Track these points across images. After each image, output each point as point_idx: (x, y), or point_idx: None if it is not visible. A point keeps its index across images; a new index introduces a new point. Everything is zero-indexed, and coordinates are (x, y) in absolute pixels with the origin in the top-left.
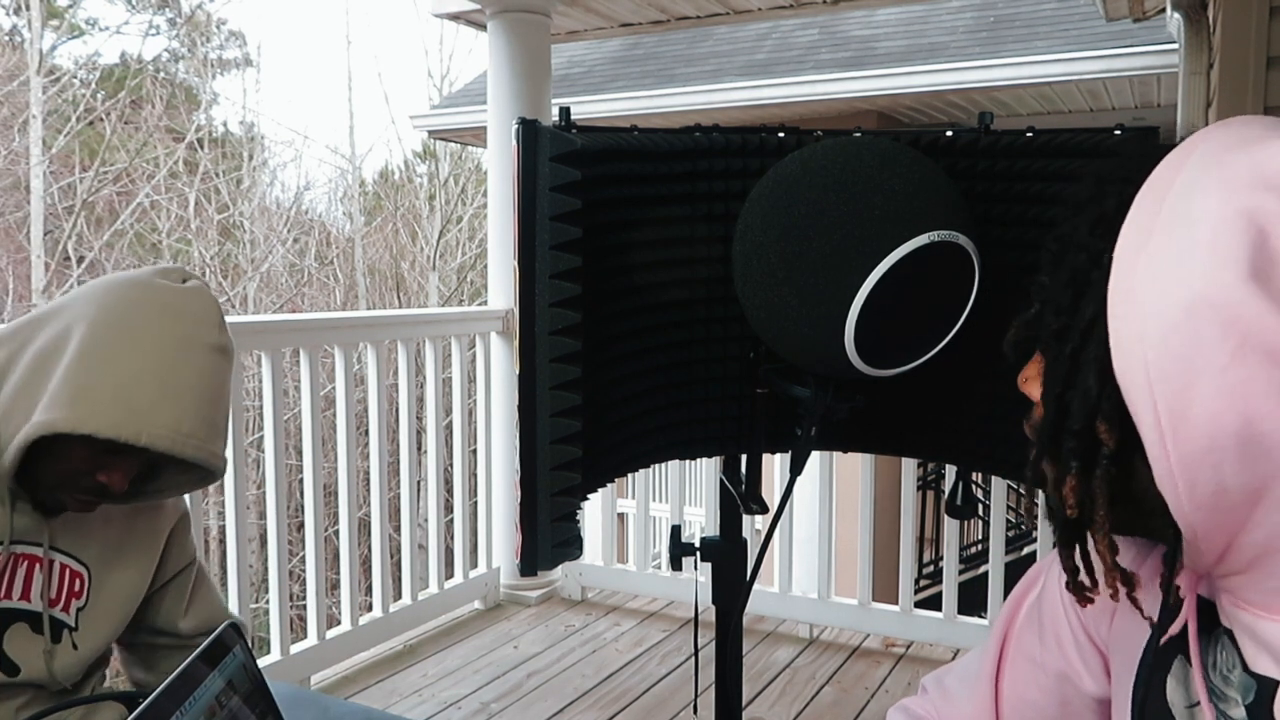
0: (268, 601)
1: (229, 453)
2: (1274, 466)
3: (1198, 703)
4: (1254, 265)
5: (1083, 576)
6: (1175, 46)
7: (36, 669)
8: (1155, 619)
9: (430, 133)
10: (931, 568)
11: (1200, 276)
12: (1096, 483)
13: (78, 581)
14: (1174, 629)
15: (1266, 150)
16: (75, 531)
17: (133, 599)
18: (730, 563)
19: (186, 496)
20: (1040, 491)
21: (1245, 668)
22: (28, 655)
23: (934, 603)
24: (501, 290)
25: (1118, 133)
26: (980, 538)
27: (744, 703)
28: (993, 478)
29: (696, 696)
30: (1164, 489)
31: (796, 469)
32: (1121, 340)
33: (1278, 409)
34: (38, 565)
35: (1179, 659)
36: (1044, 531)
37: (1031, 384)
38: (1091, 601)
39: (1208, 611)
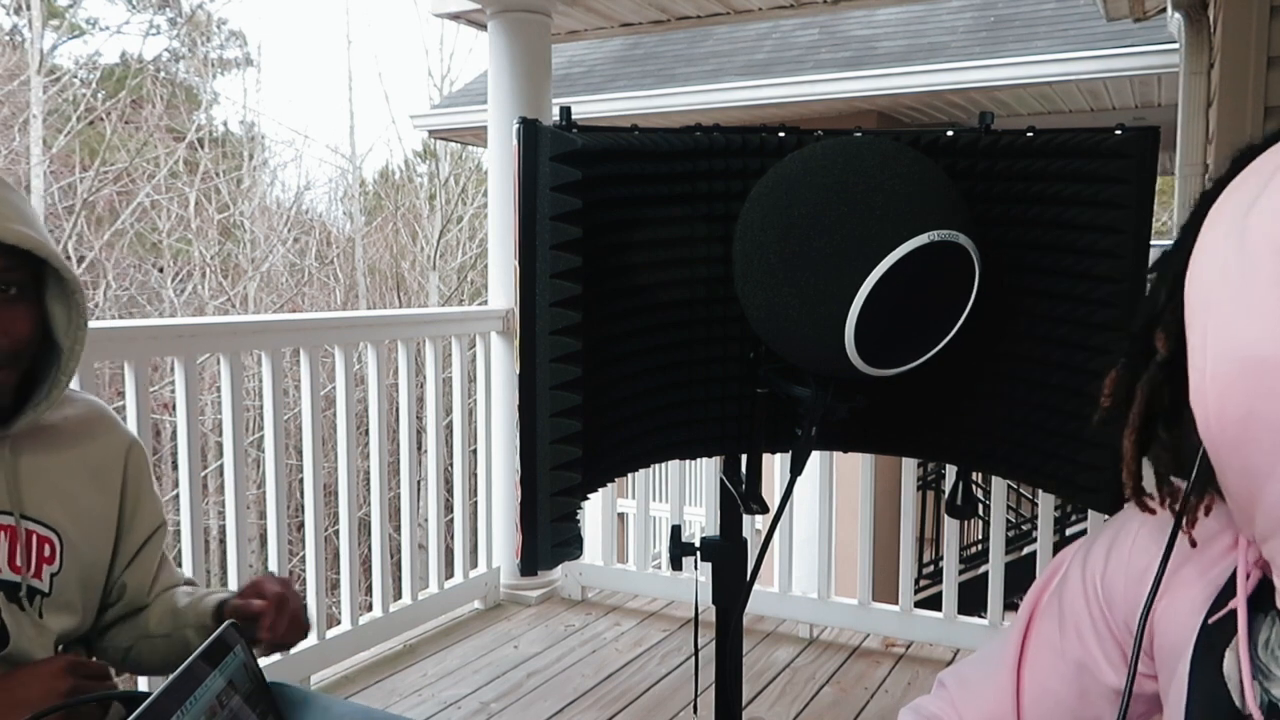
0: None
1: (228, 450)
2: None
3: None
4: None
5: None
6: (1175, 46)
7: (20, 638)
8: (1210, 587)
9: (430, 132)
10: (931, 568)
11: (1260, 212)
12: (1141, 384)
13: (47, 546)
14: (1232, 603)
15: None
16: (37, 495)
17: (105, 542)
18: (730, 563)
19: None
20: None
21: None
22: (9, 624)
23: (934, 603)
24: (501, 290)
25: (1119, 133)
26: (980, 538)
27: (744, 703)
28: (993, 478)
29: (696, 696)
30: (1195, 404)
31: (796, 469)
32: (1195, 258)
33: None
34: (2, 532)
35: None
36: (1044, 532)
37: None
38: (1154, 512)
39: (1269, 592)
